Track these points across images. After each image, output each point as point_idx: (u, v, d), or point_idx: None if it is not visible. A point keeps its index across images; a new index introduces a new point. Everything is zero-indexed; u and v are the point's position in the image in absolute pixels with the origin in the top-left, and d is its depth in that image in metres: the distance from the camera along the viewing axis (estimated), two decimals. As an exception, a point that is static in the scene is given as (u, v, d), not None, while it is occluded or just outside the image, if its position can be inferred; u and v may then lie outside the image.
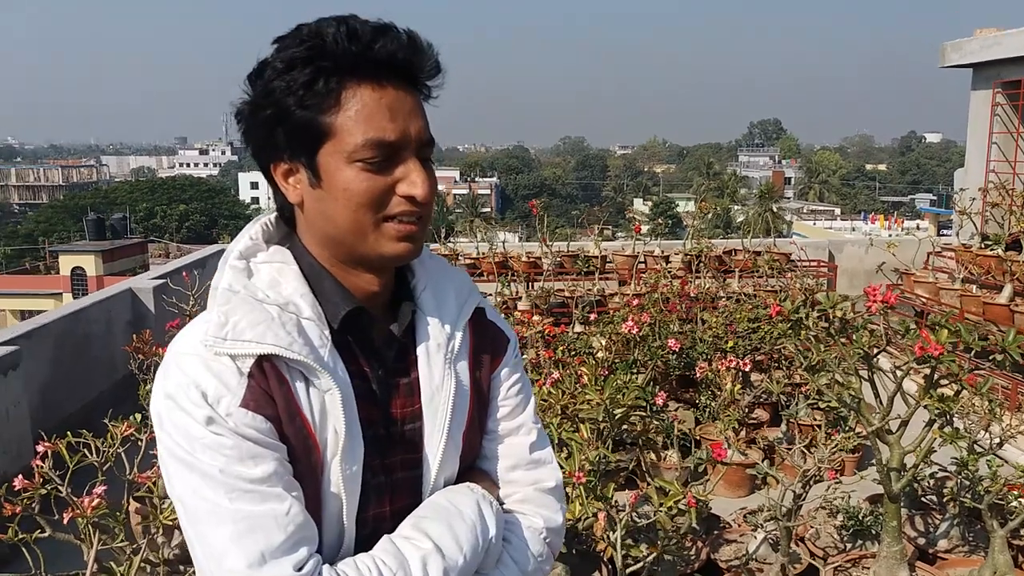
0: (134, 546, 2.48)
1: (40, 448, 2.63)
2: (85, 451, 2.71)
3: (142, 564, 2.41)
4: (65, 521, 2.47)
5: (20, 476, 2.53)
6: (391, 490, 1.16)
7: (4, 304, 33.54)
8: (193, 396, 1.01)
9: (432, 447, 1.17)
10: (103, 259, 35.01)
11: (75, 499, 2.48)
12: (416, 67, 1.09)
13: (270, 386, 1.04)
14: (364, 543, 1.11)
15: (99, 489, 2.51)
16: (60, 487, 2.58)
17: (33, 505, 2.55)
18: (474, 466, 1.27)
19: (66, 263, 36.23)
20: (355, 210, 1.06)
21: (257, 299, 1.08)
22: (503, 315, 5.57)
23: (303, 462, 1.06)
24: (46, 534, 2.55)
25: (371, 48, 1.04)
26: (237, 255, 1.13)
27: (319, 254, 1.14)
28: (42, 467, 2.61)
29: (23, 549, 2.48)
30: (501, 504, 1.25)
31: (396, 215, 1.08)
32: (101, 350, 5.41)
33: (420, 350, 1.17)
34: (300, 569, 1.01)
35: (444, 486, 1.20)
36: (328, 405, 1.07)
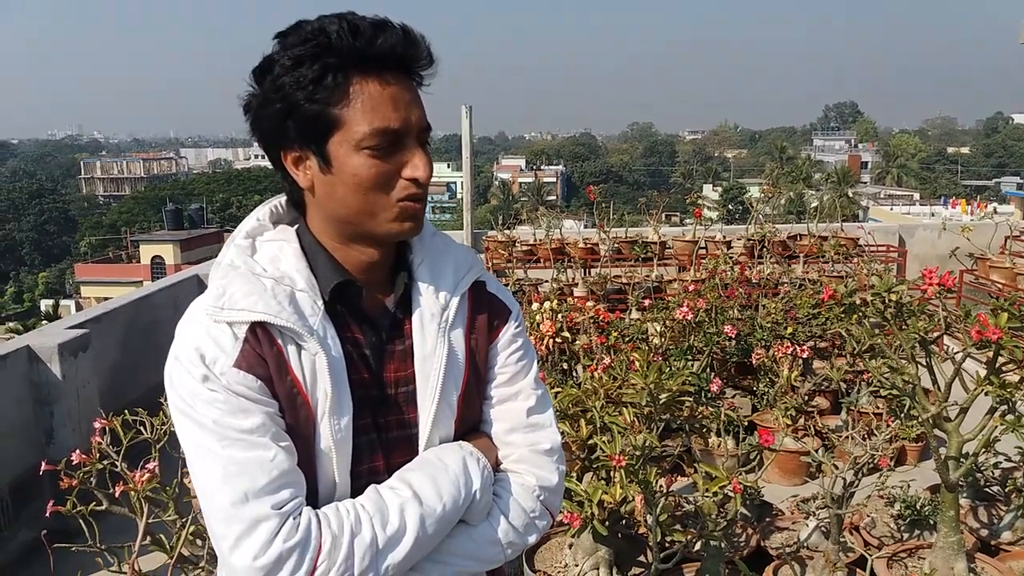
0: (184, 519, 2.57)
1: (97, 425, 2.74)
2: (140, 428, 2.81)
3: (190, 537, 2.50)
4: (117, 494, 2.58)
5: (77, 451, 2.65)
6: (385, 448, 1.26)
7: (89, 292, 35.07)
8: (193, 358, 1.14)
9: (424, 408, 1.27)
10: (181, 248, 36.29)
11: (128, 473, 2.58)
12: (413, 59, 1.18)
13: (262, 349, 1.16)
14: (359, 495, 1.21)
15: (151, 464, 2.60)
16: (116, 462, 2.69)
17: (91, 479, 2.67)
18: (476, 430, 1.36)
19: (146, 252, 37.69)
20: (365, 193, 1.17)
21: (255, 273, 1.20)
22: (558, 301, 5.55)
23: (294, 418, 1.17)
24: (102, 507, 2.66)
25: (373, 43, 1.13)
26: (244, 235, 1.27)
27: (323, 233, 1.25)
28: (100, 443, 2.73)
29: (81, 523, 2.59)
30: (498, 464, 1.35)
31: (404, 197, 1.19)
32: (168, 335, 5.52)
33: (414, 318, 1.28)
34: (280, 508, 1.11)
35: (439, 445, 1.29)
36: (317, 367, 1.18)
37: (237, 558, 1.10)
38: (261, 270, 1.21)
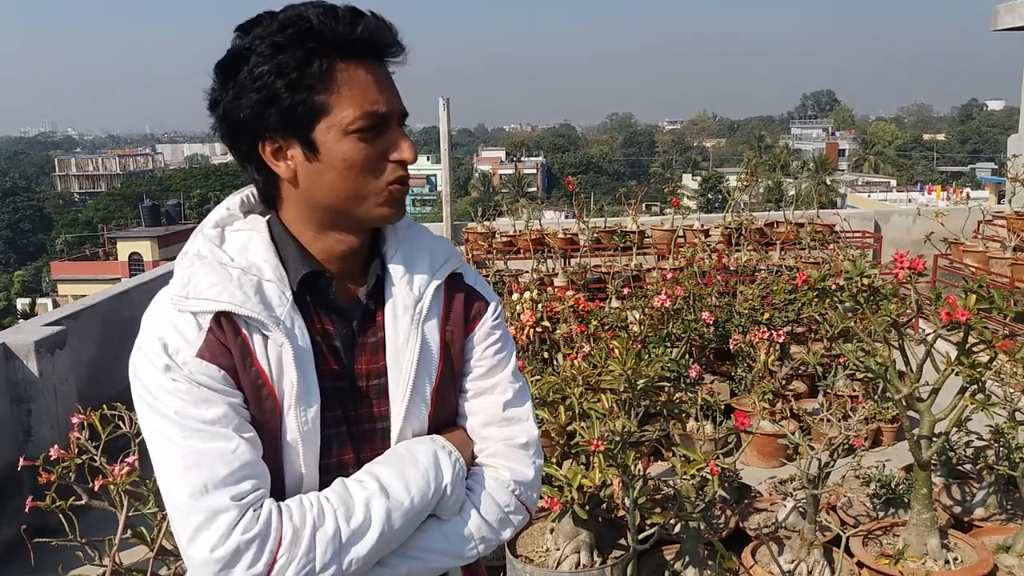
0: (164, 512, 2.57)
1: (76, 420, 2.74)
2: (118, 422, 2.81)
3: (170, 529, 2.50)
4: (96, 488, 2.58)
5: (56, 446, 2.65)
6: (355, 440, 1.24)
7: (66, 289, 34.73)
8: (156, 348, 1.14)
9: (396, 401, 1.25)
10: (159, 244, 36.02)
11: (107, 467, 2.58)
12: (387, 46, 1.19)
13: (227, 339, 1.15)
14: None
15: (131, 458, 2.60)
16: (95, 457, 2.69)
17: (69, 474, 2.66)
18: (452, 423, 1.34)
19: (124, 249, 37.39)
20: (355, 178, 1.17)
21: (222, 263, 1.19)
22: (538, 291, 5.55)
23: (259, 409, 1.16)
24: (82, 502, 2.66)
25: (355, 28, 1.13)
26: (213, 224, 1.26)
27: (299, 223, 1.23)
28: (79, 438, 2.72)
29: (61, 518, 2.59)
30: (474, 458, 1.32)
31: (393, 180, 1.20)
32: (146, 330, 5.56)
33: (387, 310, 1.26)
34: (240, 500, 1.10)
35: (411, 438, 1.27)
36: (283, 357, 1.16)
37: (195, 550, 1.08)
38: (228, 260, 1.19)
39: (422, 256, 1.30)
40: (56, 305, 31.68)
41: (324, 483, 1.19)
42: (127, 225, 46.03)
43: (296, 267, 1.21)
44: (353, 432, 1.23)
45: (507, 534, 1.32)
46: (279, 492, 1.16)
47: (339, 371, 1.22)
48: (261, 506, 1.11)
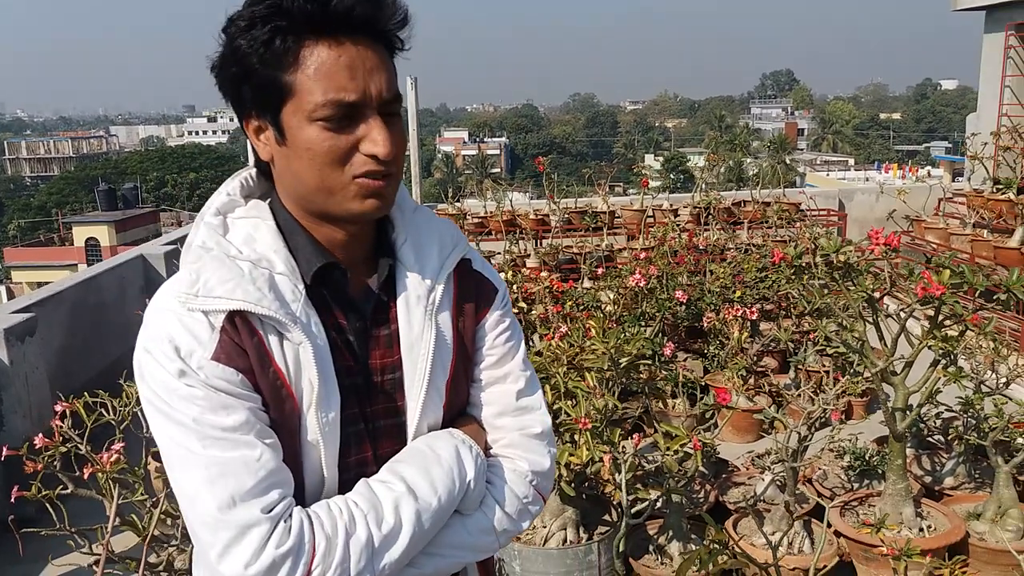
0: (153, 499, 2.56)
1: (58, 408, 2.70)
2: (102, 410, 2.78)
3: (161, 516, 2.49)
4: (85, 477, 2.55)
5: (41, 435, 2.61)
6: (373, 437, 1.20)
7: (20, 276, 33.91)
8: (167, 350, 1.05)
9: (412, 396, 1.20)
10: (116, 229, 35.30)
11: (94, 455, 2.56)
12: (378, 21, 1.08)
13: (242, 339, 1.07)
14: (347, 487, 1.15)
15: (117, 446, 2.58)
16: (80, 445, 2.66)
17: (54, 463, 2.63)
18: (464, 413, 1.30)
19: (80, 234, 36.56)
20: (320, 169, 1.08)
21: (230, 256, 1.11)
22: (512, 272, 5.56)
23: (278, 411, 1.10)
24: (68, 491, 2.63)
25: (328, 4, 1.03)
26: (214, 211, 1.16)
27: (293, 209, 1.16)
28: (61, 426, 2.69)
29: (48, 507, 2.56)
30: (488, 449, 1.29)
31: (361, 173, 1.09)
32: (116, 316, 5.48)
33: (399, 302, 1.20)
34: (270, 511, 1.05)
35: (428, 432, 1.23)
36: (301, 357, 1.10)
37: (227, 566, 1.03)
38: (236, 252, 1.11)
39: (432, 244, 1.23)
40: (10, 293, 30.94)
41: (343, 482, 1.15)
42: (82, 209, 44.99)
43: (308, 258, 1.14)
44: (370, 429, 1.19)
45: (525, 524, 1.29)
46: (299, 493, 1.12)
47: (355, 367, 1.17)
48: (291, 516, 1.06)
